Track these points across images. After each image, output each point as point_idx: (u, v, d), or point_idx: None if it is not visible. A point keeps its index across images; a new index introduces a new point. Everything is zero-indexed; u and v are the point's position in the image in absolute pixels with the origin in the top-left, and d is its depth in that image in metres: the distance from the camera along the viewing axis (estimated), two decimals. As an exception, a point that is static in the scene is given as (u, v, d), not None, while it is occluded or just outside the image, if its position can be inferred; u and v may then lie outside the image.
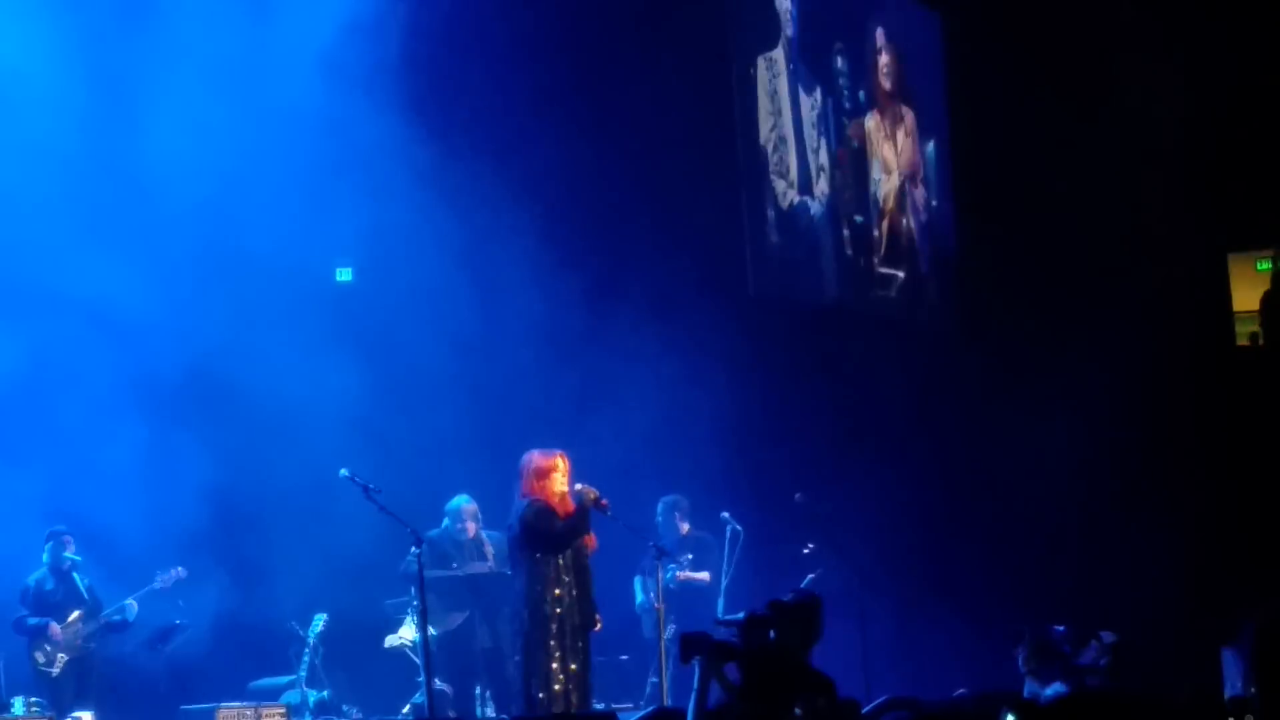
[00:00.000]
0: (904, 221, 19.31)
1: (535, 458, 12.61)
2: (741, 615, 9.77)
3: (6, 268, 14.87)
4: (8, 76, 14.72)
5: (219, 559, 15.30)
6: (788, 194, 18.12)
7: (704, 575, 15.53)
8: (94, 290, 14.67)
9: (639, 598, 15.56)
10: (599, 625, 12.73)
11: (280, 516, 15.50)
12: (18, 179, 14.73)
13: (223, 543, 15.41)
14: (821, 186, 18.49)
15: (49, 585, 14.52)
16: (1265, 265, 19.24)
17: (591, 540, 12.66)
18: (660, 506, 15.92)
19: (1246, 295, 19.18)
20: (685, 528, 15.85)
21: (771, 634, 9.59)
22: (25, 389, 14.80)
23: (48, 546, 14.52)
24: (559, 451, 12.68)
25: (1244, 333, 19.30)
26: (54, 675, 14.31)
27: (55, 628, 14.35)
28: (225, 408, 15.66)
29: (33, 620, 14.41)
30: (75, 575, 14.55)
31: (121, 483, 14.69)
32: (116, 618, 14.56)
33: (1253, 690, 6.31)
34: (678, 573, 15.44)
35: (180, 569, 14.76)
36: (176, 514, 14.99)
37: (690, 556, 15.58)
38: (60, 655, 14.36)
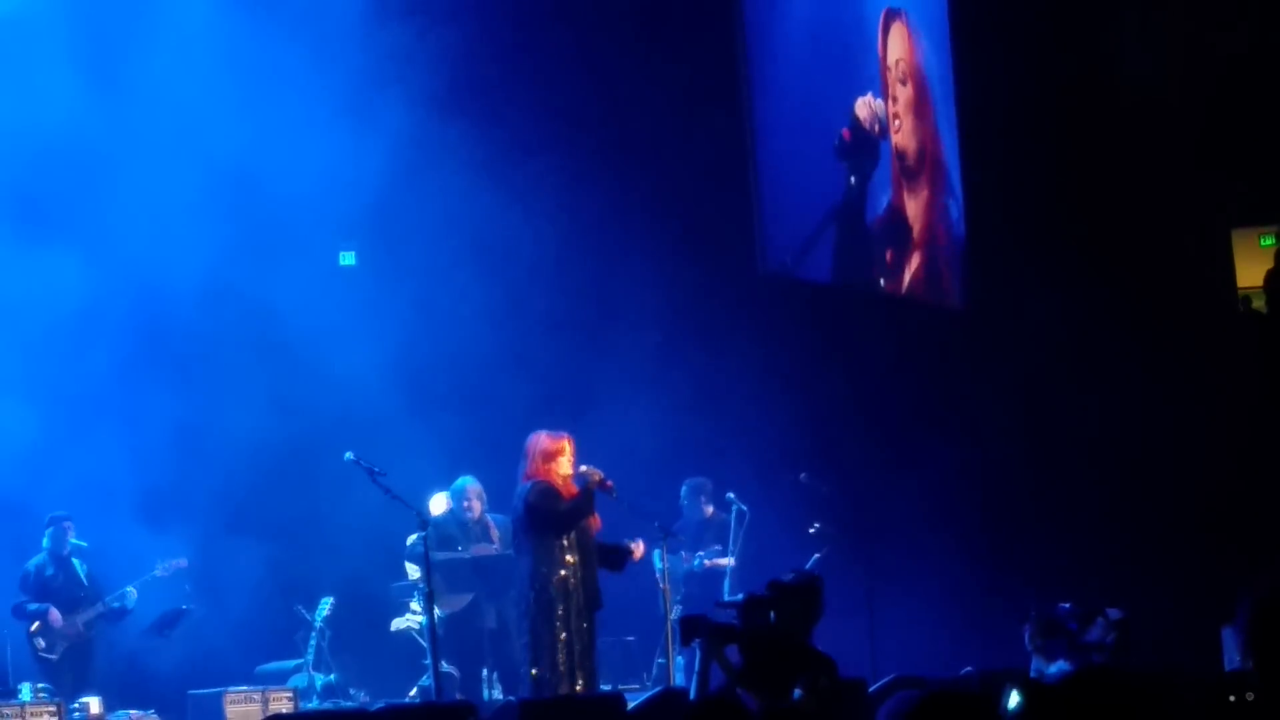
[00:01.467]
0: (915, 200, 19.24)
1: (543, 439, 12.53)
2: (741, 597, 9.74)
3: (32, 226, 14.91)
4: (19, 29, 14.75)
5: (233, 540, 15.34)
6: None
7: (728, 560, 15.48)
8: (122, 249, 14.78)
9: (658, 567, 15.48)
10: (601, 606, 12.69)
11: (290, 498, 15.52)
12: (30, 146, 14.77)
13: (235, 525, 15.44)
14: (832, 165, 18.43)
15: (49, 571, 14.55)
16: (1269, 241, 19.15)
17: (596, 521, 12.62)
18: (684, 489, 15.86)
19: (1250, 271, 19.12)
20: (709, 510, 15.78)
21: (772, 615, 9.53)
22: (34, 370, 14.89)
23: (48, 532, 14.55)
24: (566, 434, 12.61)
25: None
26: (54, 661, 14.33)
27: (55, 614, 14.36)
28: (239, 386, 15.71)
29: (33, 606, 14.44)
30: (75, 561, 14.57)
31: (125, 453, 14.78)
32: (116, 605, 14.57)
33: (1250, 665, 6.28)
34: (705, 561, 15.42)
35: (181, 559, 14.76)
36: (191, 493, 15.06)
37: (719, 548, 15.52)
38: (60, 641, 14.38)
